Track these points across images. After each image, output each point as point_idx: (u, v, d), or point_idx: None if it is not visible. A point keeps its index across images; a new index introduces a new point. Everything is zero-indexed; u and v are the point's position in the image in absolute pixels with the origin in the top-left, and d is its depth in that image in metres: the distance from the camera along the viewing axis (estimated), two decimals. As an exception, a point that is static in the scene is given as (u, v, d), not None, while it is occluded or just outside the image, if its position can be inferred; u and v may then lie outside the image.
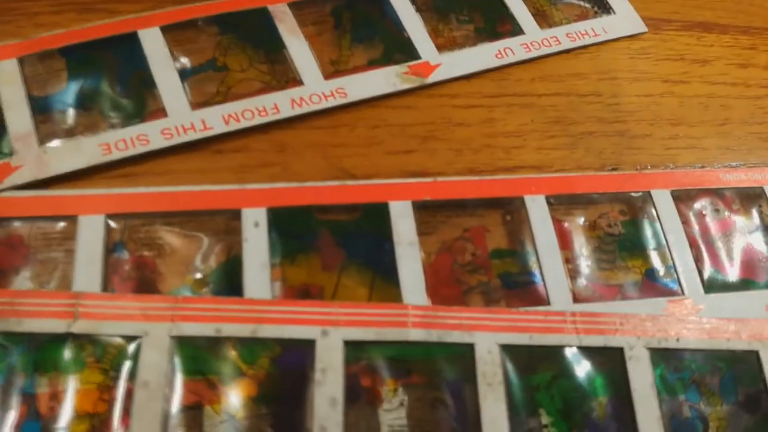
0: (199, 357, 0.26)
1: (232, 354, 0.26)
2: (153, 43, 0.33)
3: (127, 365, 0.25)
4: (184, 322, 0.26)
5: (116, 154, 0.29)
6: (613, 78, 0.40)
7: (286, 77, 0.33)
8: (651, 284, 0.31)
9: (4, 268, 0.27)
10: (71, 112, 0.31)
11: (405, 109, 0.35)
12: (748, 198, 0.34)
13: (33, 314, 0.26)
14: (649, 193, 0.33)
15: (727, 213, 0.34)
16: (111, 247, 0.28)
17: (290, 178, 0.31)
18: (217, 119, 0.31)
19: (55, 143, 0.30)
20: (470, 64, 0.35)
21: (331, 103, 0.32)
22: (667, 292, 0.30)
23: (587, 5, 0.40)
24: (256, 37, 0.34)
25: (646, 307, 0.29)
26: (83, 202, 0.29)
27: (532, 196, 0.31)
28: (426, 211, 0.31)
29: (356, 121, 0.34)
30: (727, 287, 0.31)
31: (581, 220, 0.32)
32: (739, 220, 0.33)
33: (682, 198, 0.33)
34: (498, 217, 0.32)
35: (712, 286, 0.31)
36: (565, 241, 0.31)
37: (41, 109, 0.30)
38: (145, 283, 0.28)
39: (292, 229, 0.29)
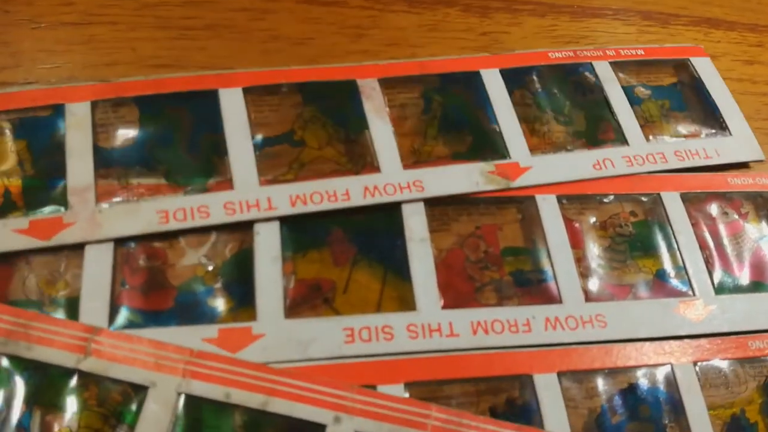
0: (202, 421, 0.25)
1: (238, 424, 0.25)
2: (232, 104, 0.31)
3: (128, 416, 0.24)
4: (194, 380, 0.24)
5: (173, 224, 0.27)
6: None
7: (363, 161, 0.30)
8: (662, 284, 0.31)
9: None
10: (135, 170, 0.29)
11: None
12: (756, 201, 0.34)
13: (44, 341, 0.24)
14: (659, 195, 0.33)
15: (735, 216, 0.34)
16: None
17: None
18: (283, 199, 0.29)
19: (112, 203, 0.28)
20: (563, 171, 0.32)
21: (406, 195, 0.30)
22: (678, 293, 0.30)
23: (702, 122, 0.36)
24: (339, 112, 0.31)
25: (657, 306, 0.29)
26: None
27: (543, 196, 0.31)
28: (438, 209, 0.30)
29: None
30: (737, 289, 0.31)
31: (592, 220, 0.32)
32: (747, 223, 0.33)
33: (692, 200, 0.33)
34: (509, 216, 0.32)
35: (722, 287, 0.31)
36: (576, 240, 0.31)
37: (104, 163, 0.28)
38: (156, 274, 0.27)
39: (303, 225, 0.29)
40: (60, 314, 0.25)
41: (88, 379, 0.23)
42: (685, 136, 0.35)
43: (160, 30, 0.35)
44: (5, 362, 0.23)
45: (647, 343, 0.27)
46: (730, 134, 0.35)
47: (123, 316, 0.25)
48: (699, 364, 0.28)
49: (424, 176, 0.30)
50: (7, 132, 0.29)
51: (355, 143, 0.31)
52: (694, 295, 0.30)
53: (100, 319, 0.25)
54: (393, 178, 0.30)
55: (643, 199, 0.32)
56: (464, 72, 0.34)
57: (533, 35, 0.39)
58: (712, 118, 0.36)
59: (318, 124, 0.31)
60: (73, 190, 0.27)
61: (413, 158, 0.31)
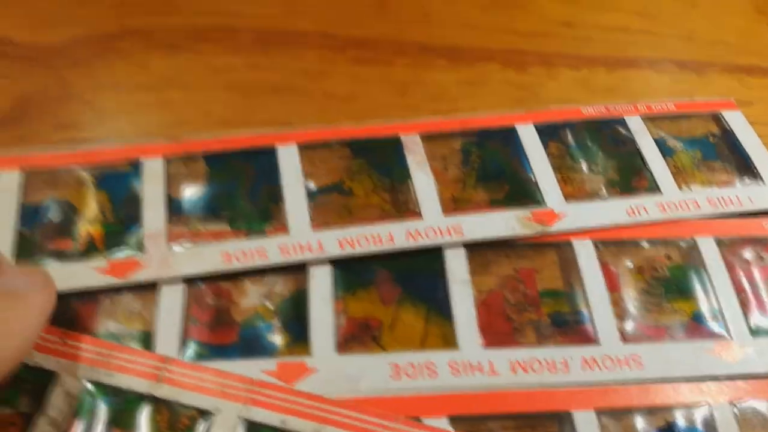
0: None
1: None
2: (289, 159, 0.33)
3: (195, 437, 0.22)
4: (254, 407, 0.26)
5: (235, 264, 0.29)
6: None
7: (406, 208, 0.32)
8: (698, 326, 0.31)
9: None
10: (202, 218, 0.31)
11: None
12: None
13: (123, 369, 0.26)
14: (694, 239, 0.33)
15: None
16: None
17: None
18: (333, 242, 0.30)
19: (181, 246, 0.30)
20: (598, 217, 0.33)
21: (446, 239, 0.31)
22: (714, 335, 0.30)
23: (734, 172, 0.36)
24: (384, 164, 0.33)
25: (693, 348, 0.29)
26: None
27: (580, 240, 0.32)
28: (478, 252, 0.31)
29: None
30: None
31: (629, 264, 0.32)
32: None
33: (727, 245, 0.33)
34: (548, 259, 0.32)
35: (758, 330, 0.31)
36: (612, 283, 0.31)
37: (175, 211, 0.31)
38: (222, 312, 0.29)
39: (353, 267, 0.30)
40: (136, 346, 0.27)
41: (160, 405, 0.25)
42: (717, 185, 0.35)
43: (227, 92, 0.37)
44: (90, 387, 0.26)
45: (684, 383, 0.28)
46: (764, 183, 0.35)
47: (192, 349, 0.27)
48: (737, 404, 0.28)
49: (463, 222, 0.31)
50: (91, 185, 0.31)
51: (398, 192, 0.32)
52: (729, 337, 0.30)
53: (172, 352, 0.27)
54: (434, 223, 0.31)
55: (679, 243, 0.32)
56: (500, 127, 0.35)
57: (569, 87, 0.40)
58: (744, 167, 0.36)
59: (364, 174, 0.33)
60: (149, 234, 0.29)
61: (453, 205, 0.32)
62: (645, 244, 0.32)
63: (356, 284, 0.29)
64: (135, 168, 0.32)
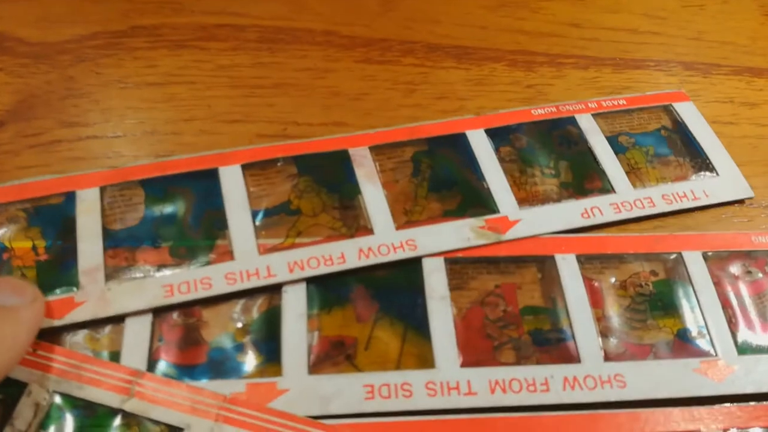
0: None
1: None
2: (232, 180, 0.31)
3: (164, 454, 0.26)
4: (225, 424, 0.25)
5: (177, 297, 0.27)
6: None
7: (357, 224, 0.30)
8: (683, 344, 0.29)
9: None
10: (140, 249, 0.29)
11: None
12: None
13: (94, 382, 0.25)
14: (680, 254, 0.31)
15: (760, 275, 0.31)
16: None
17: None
18: (282, 266, 0.28)
19: (119, 281, 0.28)
20: (553, 221, 0.31)
21: (400, 255, 0.29)
22: (700, 353, 0.28)
23: (688, 165, 0.34)
24: (332, 180, 0.32)
25: (678, 366, 0.28)
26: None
27: (562, 255, 0.30)
28: (458, 266, 0.30)
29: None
30: (761, 349, 0.29)
31: (612, 280, 0.30)
32: (772, 281, 0.33)
33: (714, 259, 0.31)
34: (529, 275, 0.30)
35: (745, 347, 0.29)
36: (596, 299, 0.30)
37: (112, 243, 0.29)
38: (190, 331, 0.27)
39: (328, 283, 0.29)
40: None
41: (130, 419, 0.25)
42: (672, 180, 0.33)
43: (233, 89, 0.36)
44: (58, 399, 0.25)
45: (676, 409, 0.26)
46: (718, 174, 0.34)
47: (159, 370, 0.26)
48: (730, 431, 0.26)
49: (416, 235, 0.30)
50: (23, 221, 0.29)
51: (348, 209, 0.31)
52: (716, 355, 0.28)
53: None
54: (386, 238, 0.30)
55: (665, 257, 0.31)
56: (450, 134, 0.34)
57: (576, 87, 0.39)
58: (698, 160, 0.35)
59: (312, 192, 0.31)
60: (84, 270, 0.28)
61: (405, 219, 0.31)
62: (629, 259, 0.31)
63: (332, 301, 0.28)
64: (69, 200, 0.30)
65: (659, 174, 0.33)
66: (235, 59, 0.38)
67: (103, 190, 0.30)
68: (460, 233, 0.30)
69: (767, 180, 0.35)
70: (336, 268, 0.28)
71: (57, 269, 0.28)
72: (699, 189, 0.33)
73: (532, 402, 0.26)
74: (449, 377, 0.26)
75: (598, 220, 0.31)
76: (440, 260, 0.29)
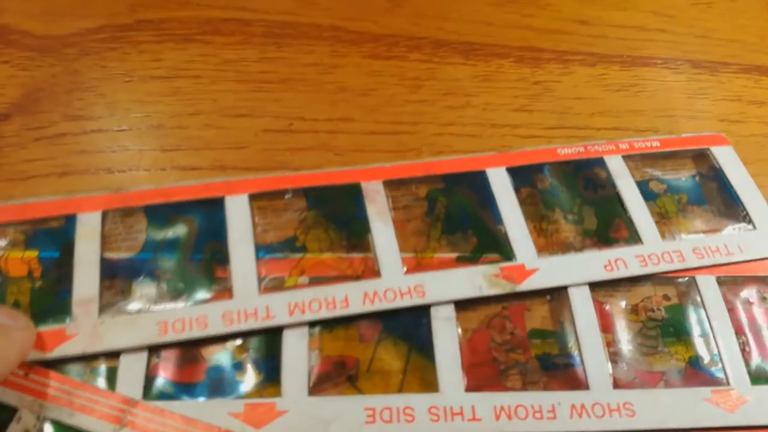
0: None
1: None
2: (238, 211, 0.28)
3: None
4: None
5: (171, 336, 0.25)
6: (670, 116, 0.36)
7: (364, 266, 0.28)
8: (695, 372, 0.27)
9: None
10: (138, 281, 0.27)
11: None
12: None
13: (85, 409, 0.23)
14: (693, 278, 0.28)
15: None
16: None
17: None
18: (282, 308, 0.26)
19: (113, 315, 0.26)
20: (573, 273, 0.28)
21: (407, 302, 0.26)
22: (712, 382, 0.26)
23: (723, 216, 0.30)
24: (342, 216, 0.29)
25: (689, 395, 0.26)
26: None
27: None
28: None
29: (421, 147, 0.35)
30: None
31: (623, 304, 0.28)
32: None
33: (728, 284, 0.29)
34: (537, 297, 0.28)
35: (759, 376, 0.26)
36: (606, 323, 0.27)
37: (110, 274, 0.27)
38: (189, 347, 0.25)
39: None
40: (100, 382, 0.24)
41: None
42: (704, 232, 0.30)
43: (239, 83, 0.35)
44: (48, 427, 0.23)
45: None
46: (755, 228, 0.30)
47: (157, 387, 0.25)
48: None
49: (425, 281, 0.27)
50: (21, 243, 0.27)
51: (356, 248, 0.29)
52: (728, 384, 0.26)
53: (136, 389, 0.24)
54: (393, 282, 0.27)
55: (677, 282, 0.29)
56: (469, 171, 0.31)
57: (584, 84, 0.38)
58: (733, 211, 0.31)
59: (320, 228, 0.29)
60: (79, 301, 0.26)
61: (415, 262, 0.28)
62: (642, 282, 0.29)
63: (334, 320, 0.26)
64: (70, 223, 0.28)
65: (691, 225, 0.30)
66: (242, 54, 0.38)
67: (105, 215, 0.28)
68: (472, 281, 0.27)
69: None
70: (339, 312, 0.25)
71: (51, 297, 0.27)
72: (734, 244, 0.29)
73: (539, 429, 0.24)
74: (453, 402, 0.25)
75: (622, 273, 0.27)
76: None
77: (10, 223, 0.27)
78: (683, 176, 0.31)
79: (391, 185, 0.30)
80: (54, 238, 0.27)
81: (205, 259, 0.27)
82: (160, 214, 0.28)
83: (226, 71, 0.36)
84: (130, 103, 0.35)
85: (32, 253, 0.27)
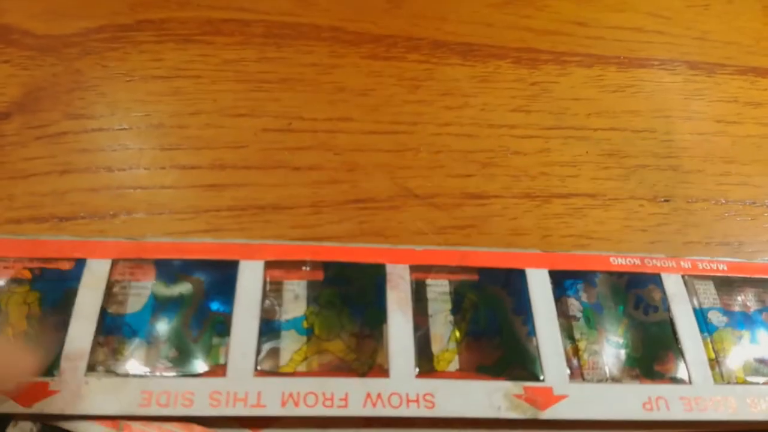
0: None
1: None
2: (251, 279, 0.26)
3: None
4: None
5: (154, 409, 0.23)
6: (667, 116, 0.36)
7: (372, 361, 0.25)
8: None
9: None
10: (132, 341, 0.25)
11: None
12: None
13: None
14: None
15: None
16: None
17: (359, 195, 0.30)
18: (274, 396, 0.23)
19: (99, 376, 0.24)
20: (606, 407, 0.24)
21: (413, 411, 0.23)
22: None
23: None
24: (359, 300, 0.26)
25: None
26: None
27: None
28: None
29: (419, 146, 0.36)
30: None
31: None
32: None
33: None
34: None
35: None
36: None
37: (106, 330, 0.25)
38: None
39: None
40: None
41: None
42: (765, 381, 0.26)
43: (239, 83, 0.36)
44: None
45: None
46: None
47: None
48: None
49: (437, 389, 0.25)
50: (26, 282, 0.26)
51: (368, 338, 0.26)
52: None
53: None
54: (401, 386, 0.24)
55: None
56: (507, 269, 0.28)
57: (581, 84, 0.39)
58: None
59: (333, 311, 0.27)
60: (68, 355, 0.24)
61: (429, 365, 0.26)
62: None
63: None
64: (78, 268, 0.26)
65: (751, 369, 0.26)
66: (241, 54, 0.38)
67: (114, 263, 0.26)
68: (490, 398, 0.24)
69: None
70: (335, 412, 0.23)
71: (42, 346, 0.24)
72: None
73: None
74: None
75: (663, 415, 0.24)
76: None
77: (20, 258, 0.25)
78: (750, 310, 0.27)
79: (418, 271, 0.27)
80: (59, 283, 0.25)
81: (205, 329, 0.24)
82: (170, 271, 0.26)
83: (226, 71, 0.37)
84: (131, 103, 0.35)
85: (34, 296, 0.25)
